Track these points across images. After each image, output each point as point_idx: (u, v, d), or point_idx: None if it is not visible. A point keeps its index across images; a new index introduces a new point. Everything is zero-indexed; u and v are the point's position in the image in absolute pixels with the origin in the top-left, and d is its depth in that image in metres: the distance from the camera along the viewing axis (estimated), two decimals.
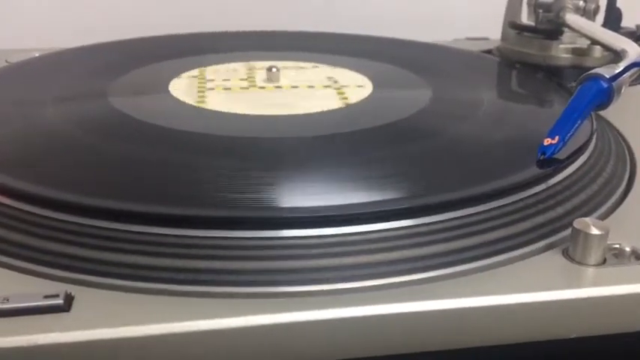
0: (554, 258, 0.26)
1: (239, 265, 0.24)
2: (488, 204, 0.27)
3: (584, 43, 0.47)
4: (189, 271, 0.23)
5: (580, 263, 0.25)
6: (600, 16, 0.49)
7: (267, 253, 0.24)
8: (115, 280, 0.23)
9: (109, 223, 0.24)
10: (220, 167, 0.29)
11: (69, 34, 0.56)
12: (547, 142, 0.30)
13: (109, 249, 0.24)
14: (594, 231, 0.25)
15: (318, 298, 0.23)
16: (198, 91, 0.40)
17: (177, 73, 0.43)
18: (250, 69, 0.46)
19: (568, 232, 0.26)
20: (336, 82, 0.43)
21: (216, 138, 0.33)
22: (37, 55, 0.49)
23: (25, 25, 0.64)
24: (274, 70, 0.43)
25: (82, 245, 0.24)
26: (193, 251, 0.24)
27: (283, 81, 0.43)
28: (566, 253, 0.26)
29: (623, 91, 0.34)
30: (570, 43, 0.48)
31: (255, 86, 0.42)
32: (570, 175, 0.30)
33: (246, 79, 0.43)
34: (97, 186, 0.27)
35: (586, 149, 0.32)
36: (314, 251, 0.24)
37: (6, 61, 0.48)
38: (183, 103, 0.38)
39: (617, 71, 0.34)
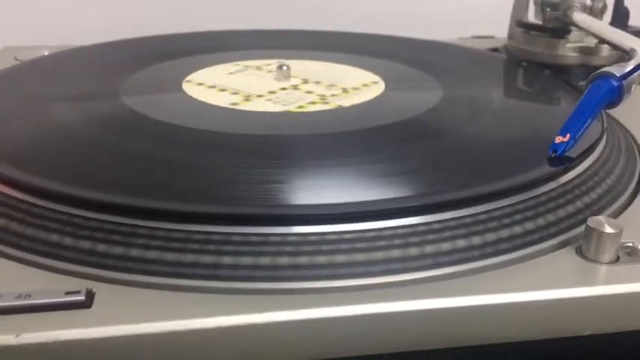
0: (568, 256, 0.26)
1: (260, 261, 0.24)
2: (500, 201, 0.27)
3: (591, 41, 0.48)
4: (211, 267, 0.24)
5: (593, 261, 0.25)
6: (607, 15, 0.49)
7: (283, 250, 0.24)
8: (136, 276, 0.23)
9: (129, 220, 0.24)
10: (236, 164, 0.30)
11: (78, 32, 0.56)
12: (558, 139, 0.30)
13: (130, 245, 0.24)
14: (608, 229, 0.25)
15: (331, 295, 0.23)
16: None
17: (190, 71, 0.43)
18: (260, 66, 0.46)
19: (580, 229, 0.27)
20: (346, 80, 0.43)
21: (230, 136, 0.33)
22: (46, 52, 0.49)
23: (34, 22, 0.64)
24: (284, 67, 0.43)
25: (103, 241, 0.24)
26: (215, 247, 0.24)
27: (294, 79, 0.43)
28: (579, 251, 0.26)
29: (633, 89, 0.34)
30: (577, 41, 0.48)
31: (265, 84, 0.42)
32: (582, 173, 0.30)
33: (256, 77, 0.43)
34: (117, 183, 0.27)
35: (597, 147, 0.32)
36: (322, 247, 0.24)
37: (15, 59, 0.48)
38: (196, 101, 0.38)
39: (627, 70, 0.34)
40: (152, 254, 0.24)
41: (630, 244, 0.26)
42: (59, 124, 0.34)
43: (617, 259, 0.26)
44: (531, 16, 0.51)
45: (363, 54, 0.49)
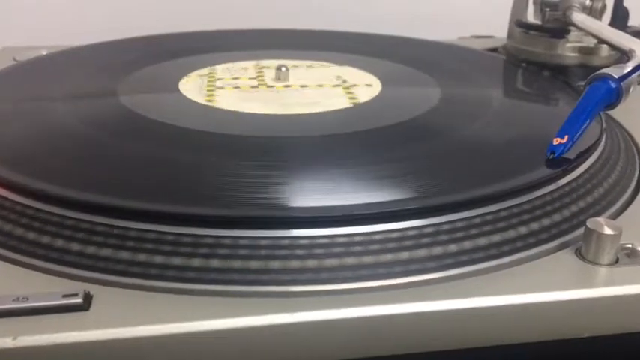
0: (567, 258, 0.26)
1: (254, 265, 0.24)
2: (498, 204, 0.27)
3: (590, 42, 0.48)
4: (208, 270, 0.23)
5: (593, 263, 0.25)
6: (606, 16, 0.49)
7: (279, 253, 0.24)
8: (134, 279, 0.23)
9: (127, 223, 0.24)
10: (234, 165, 0.29)
11: (76, 32, 0.56)
12: (556, 141, 0.30)
13: (127, 248, 0.24)
14: (607, 231, 0.25)
15: (331, 297, 0.23)
16: (208, 90, 0.40)
17: (187, 72, 0.43)
18: (259, 68, 0.46)
19: (580, 231, 0.27)
20: (344, 81, 0.43)
21: (226, 137, 0.33)
22: (44, 53, 0.49)
23: (32, 23, 0.64)
24: (283, 69, 0.43)
25: (100, 245, 0.24)
26: (211, 250, 0.24)
27: (292, 80, 0.43)
28: (578, 253, 0.26)
29: (631, 90, 0.34)
30: (577, 42, 0.48)
31: (264, 85, 0.42)
32: (581, 175, 0.30)
33: (255, 78, 0.43)
34: (114, 186, 0.27)
35: (596, 149, 0.32)
36: (327, 251, 0.24)
37: (14, 59, 0.48)
38: (192, 102, 0.38)
39: (625, 71, 0.34)
40: (150, 257, 0.24)
41: (629, 246, 0.26)
42: (58, 125, 0.34)
43: (617, 261, 0.26)
44: (530, 16, 0.51)
45: (361, 54, 0.49)
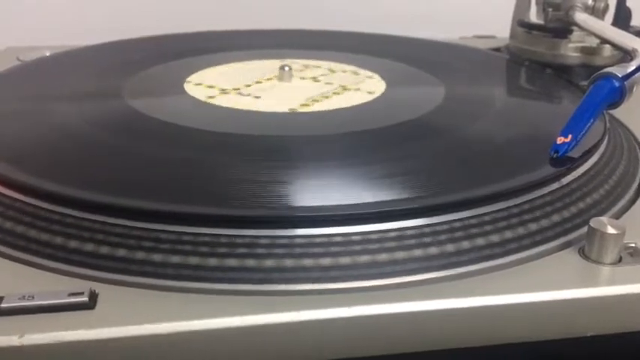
0: (570, 257, 0.26)
1: (264, 264, 0.24)
2: (502, 203, 0.27)
3: (593, 41, 0.48)
4: (213, 269, 0.24)
5: (596, 262, 0.25)
6: (609, 15, 0.49)
7: (282, 252, 0.24)
8: (140, 277, 0.23)
9: (132, 222, 0.24)
10: (236, 164, 0.30)
11: (80, 32, 0.56)
12: (560, 140, 0.30)
13: (133, 247, 0.24)
14: (611, 230, 0.25)
15: (333, 296, 0.23)
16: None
17: (191, 71, 0.43)
18: (262, 67, 0.46)
19: (583, 230, 0.27)
20: (347, 80, 0.43)
21: (231, 136, 0.33)
22: (48, 53, 0.49)
23: (36, 23, 0.64)
24: (286, 68, 0.43)
25: (106, 243, 0.24)
26: (216, 249, 0.24)
27: (295, 79, 0.43)
28: (581, 252, 0.26)
29: (635, 89, 0.34)
30: (579, 41, 0.48)
31: (265, 84, 0.42)
32: (584, 174, 0.30)
33: (257, 77, 0.43)
34: (120, 184, 0.27)
35: (599, 148, 0.32)
36: (333, 249, 0.24)
37: (18, 59, 0.48)
38: (198, 101, 0.38)
39: (629, 70, 0.34)
40: (156, 257, 0.24)
41: (633, 245, 0.26)
42: (64, 125, 0.34)
43: (620, 260, 0.26)
44: (533, 16, 0.51)
45: (364, 53, 0.49)
